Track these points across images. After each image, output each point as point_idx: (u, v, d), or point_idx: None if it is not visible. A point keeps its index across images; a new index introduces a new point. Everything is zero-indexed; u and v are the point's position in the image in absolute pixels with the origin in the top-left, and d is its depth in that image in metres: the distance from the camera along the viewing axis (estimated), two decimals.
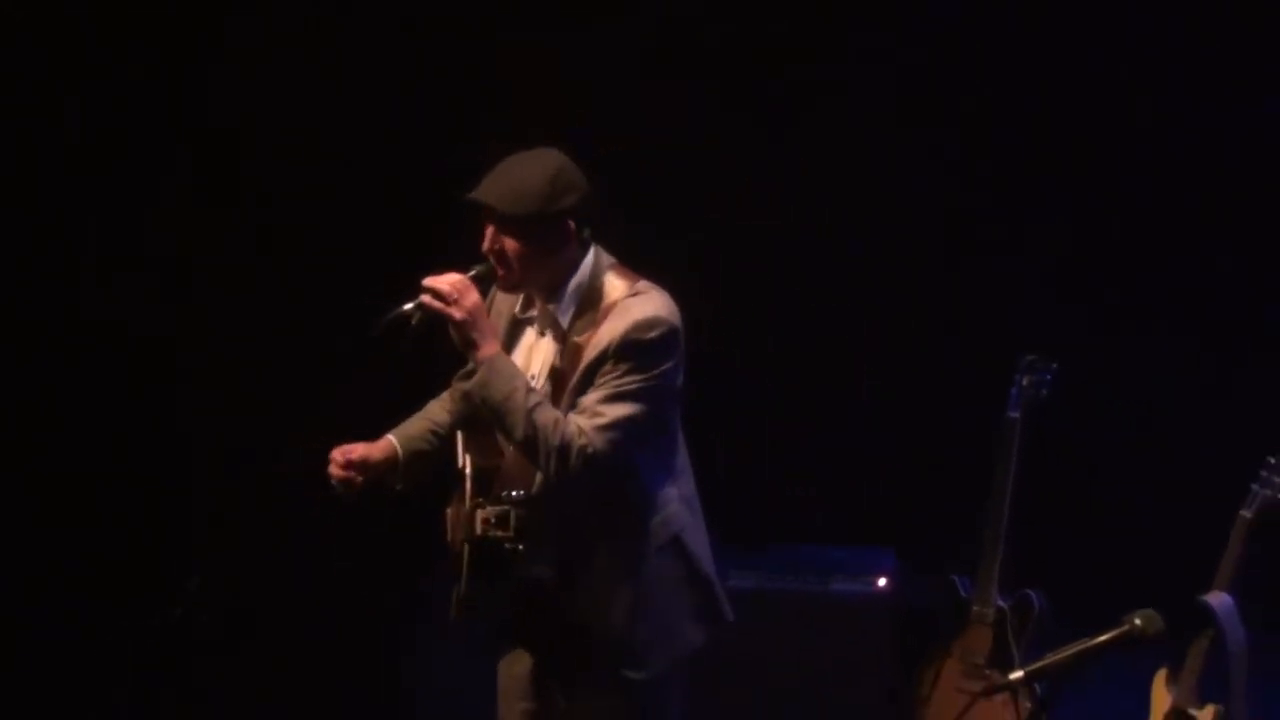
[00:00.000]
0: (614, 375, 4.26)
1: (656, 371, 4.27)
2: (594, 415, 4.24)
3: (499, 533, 4.27)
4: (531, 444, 4.24)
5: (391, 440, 4.58)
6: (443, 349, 4.48)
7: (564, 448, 4.21)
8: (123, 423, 7.02)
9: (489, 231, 4.31)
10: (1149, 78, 6.83)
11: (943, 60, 6.88)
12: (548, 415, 4.23)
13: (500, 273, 4.33)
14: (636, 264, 4.46)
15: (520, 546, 4.27)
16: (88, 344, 7.00)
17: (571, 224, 4.31)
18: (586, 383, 4.29)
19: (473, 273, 4.38)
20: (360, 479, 4.50)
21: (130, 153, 6.97)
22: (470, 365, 4.34)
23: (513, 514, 4.26)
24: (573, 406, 4.29)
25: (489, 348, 4.28)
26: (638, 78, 6.87)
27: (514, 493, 4.27)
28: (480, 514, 4.31)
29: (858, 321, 6.96)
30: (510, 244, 4.29)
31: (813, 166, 6.89)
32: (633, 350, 4.25)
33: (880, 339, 6.95)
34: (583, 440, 4.22)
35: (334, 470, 4.50)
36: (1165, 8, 6.78)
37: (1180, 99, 6.83)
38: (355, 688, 6.58)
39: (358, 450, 4.50)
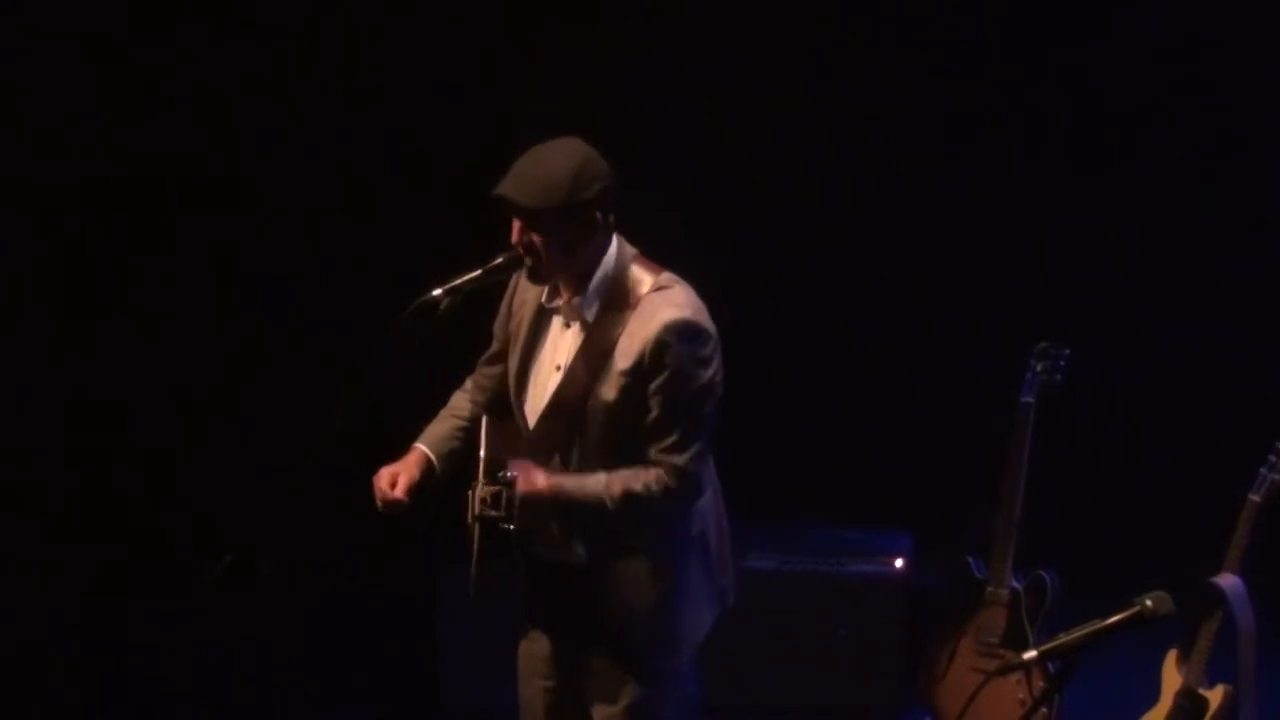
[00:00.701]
0: (670, 401, 4.28)
1: (705, 380, 4.31)
2: (671, 450, 4.28)
3: (493, 512, 4.27)
4: (626, 516, 4.31)
5: (423, 451, 4.59)
6: (467, 337, 4.58)
7: (656, 498, 4.28)
8: (144, 408, 7.09)
9: (517, 225, 4.33)
10: (1158, 68, 6.86)
11: (952, 43, 6.90)
12: (619, 487, 4.28)
13: (530, 263, 4.35)
14: (657, 249, 4.51)
15: (512, 526, 4.27)
16: (101, 346, 7.07)
17: (598, 214, 4.33)
18: (628, 389, 4.30)
19: (498, 261, 4.46)
20: (406, 500, 4.51)
21: (147, 154, 7.03)
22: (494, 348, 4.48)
23: (505, 494, 4.26)
24: (609, 408, 4.31)
25: (540, 488, 4.30)
26: (637, 75, 6.92)
27: (507, 474, 4.28)
28: (478, 493, 4.32)
29: (879, 304, 7.00)
30: (539, 237, 4.30)
31: (832, 144, 6.94)
32: (673, 365, 4.27)
33: (901, 323, 6.99)
34: (667, 482, 4.28)
35: (381, 496, 4.49)
36: (1173, 10, 6.82)
37: (1190, 91, 6.85)
38: (383, 661, 6.66)
39: (400, 482, 4.49)
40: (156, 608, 6.69)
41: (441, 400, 4.74)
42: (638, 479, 4.29)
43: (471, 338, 4.72)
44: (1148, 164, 6.93)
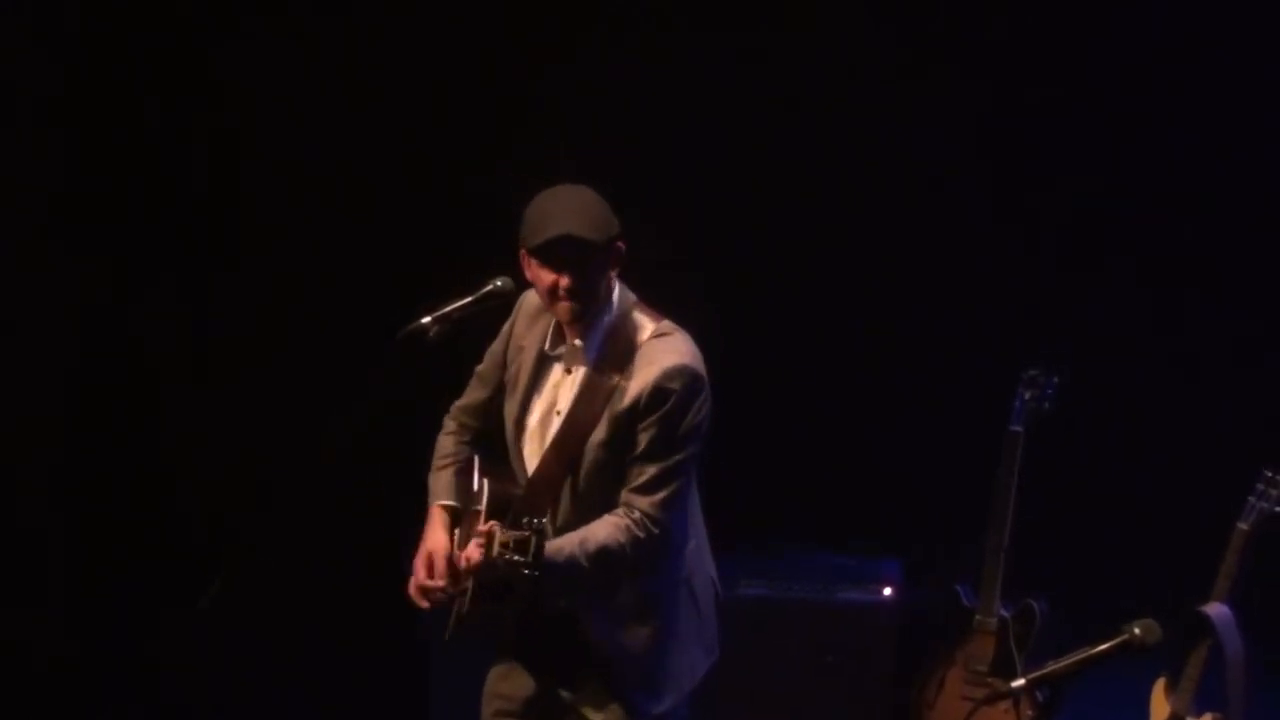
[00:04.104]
0: (653, 440, 4.31)
1: (691, 425, 4.33)
2: (643, 490, 4.31)
3: (517, 557, 4.18)
4: (602, 573, 4.31)
5: (442, 506, 4.59)
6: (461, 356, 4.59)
7: (628, 550, 4.29)
8: (137, 433, 7.07)
9: (569, 271, 4.28)
10: (1158, 70, 6.82)
11: (953, 46, 6.86)
12: (593, 545, 4.28)
13: (577, 306, 4.33)
14: (648, 269, 4.54)
15: (538, 573, 4.20)
16: (103, 351, 7.06)
17: (622, 245, 4.36)
18: (620, 430, 4.33)
19: (488, 289, 4.47)
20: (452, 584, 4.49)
21: (148, 159, 7.03)
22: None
23: (533, 541, 4.18)
24: (600, 448, 4.34)
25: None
26: (636, 75, 6.91)
27: (536, 520, 4.22)
28: (499, 536, 4.25)
29: (866, 332, 6.97)
30: (591, 273, 4.31)
31: (820, 174, 6.93)
32: (666, 408, 4.30)
33: (889, 349, 6.97)
34: (648, 531, 4.30)
35: (431, 591, 4.47)
36: (1173, 10, 6.82)
37: (1182, 110, 6.84)
38: (373, 675, 6.65)
39: (439, 558, 4.46)
40: (151, 614, 6.67)
41: (433, 413, 4.75)
42: (610, 535, 4.30)
43: (464, 356, 4.74)
44: (1145, 168, 6.89)
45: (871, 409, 6.99)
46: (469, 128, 6.87)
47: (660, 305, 4.49)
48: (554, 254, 4.30)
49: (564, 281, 4.30)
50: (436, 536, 4.53)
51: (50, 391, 6.99)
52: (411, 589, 4.50)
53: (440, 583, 4.46)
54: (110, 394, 7.03)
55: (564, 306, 4.34)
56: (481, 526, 4.34)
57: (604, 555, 4.29)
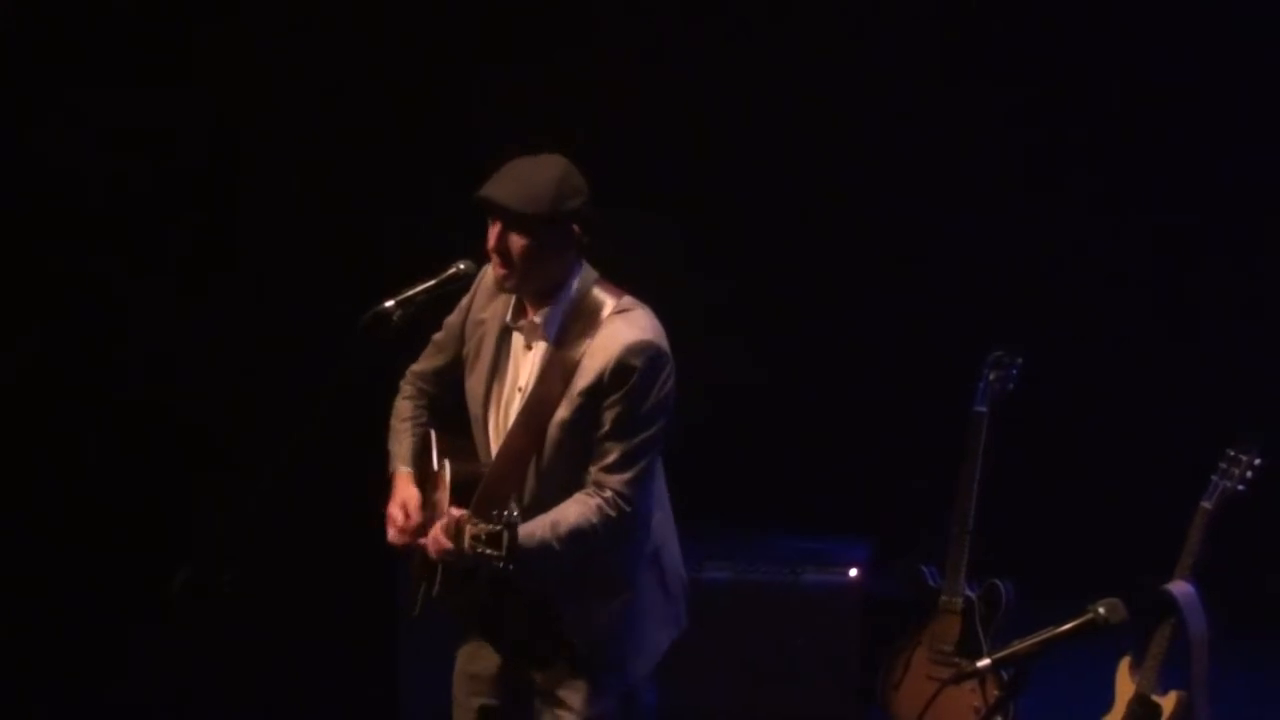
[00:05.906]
0: (619, 418, 4.31)
1: (657, 401, 4.33)
2: (612, 469, 4.31)
3: (490, 551, 4.17)
4: (575, 555, 4.30)
5: (409, 471, 4.60)
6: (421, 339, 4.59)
7: (600, 531, 4.29)
8: (113, 414, 7.07)
9: (495, 229, 4.34)
10: (1151, 89, 6.87)
11: (949, 70, 6.91)
12: (564, 528, 4.27)
13: (502, 273, 4.37)
14: (619, 251, 4.54)
15: (511, 566, 4.18)
16: (102, 350, 7.06)
17: (576, 228, 4.36)
18: (584, 409, 4.33)
19: (451, 271, 4.49)
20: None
21: (130, 148, 7.01)
22: None
23: (505, 535, 4.16)
24: (565, 426, 4.33)
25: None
26: (631, 75, 6.93)
27: (508, 513, 4.18)
28: (469, 529, 4.24)
29: (837, 310, 7.00)
30: (517, 243, 4.32)
31: (786, 157, 6.94)
32: (630, 385, 4.30)
33: (859, 328, 6.99)
34: (619, 509, 4.30)
35: (399, 537, 4.51)
36: (1173, 10, 6.82)
37: (1182, 110, 6.87)
38: (342, 678, 6.65)
39: (411, 509, 4.50)
40: (122, 620, 6.67)
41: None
42: (581, 516, 4.30)
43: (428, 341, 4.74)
44: (1146, 168, 6.92)
45: (839, 392, 7.02)
46: (469, 127, 6.87)
47: (648, 297, 4.49)
48: (483, 213, 4.36)
49: (491, 240, 4.35)
50: (408, 490, 4.54)
51: (50, 391, 6.99)
52: (391, 535, 4.52)
53: (416, 520, 4.47)
54: (110, 394, 7.03)
55: (496, 270, 4.38)
56: (452, 511, 4.34)
57: (576, 537, 4.29)
